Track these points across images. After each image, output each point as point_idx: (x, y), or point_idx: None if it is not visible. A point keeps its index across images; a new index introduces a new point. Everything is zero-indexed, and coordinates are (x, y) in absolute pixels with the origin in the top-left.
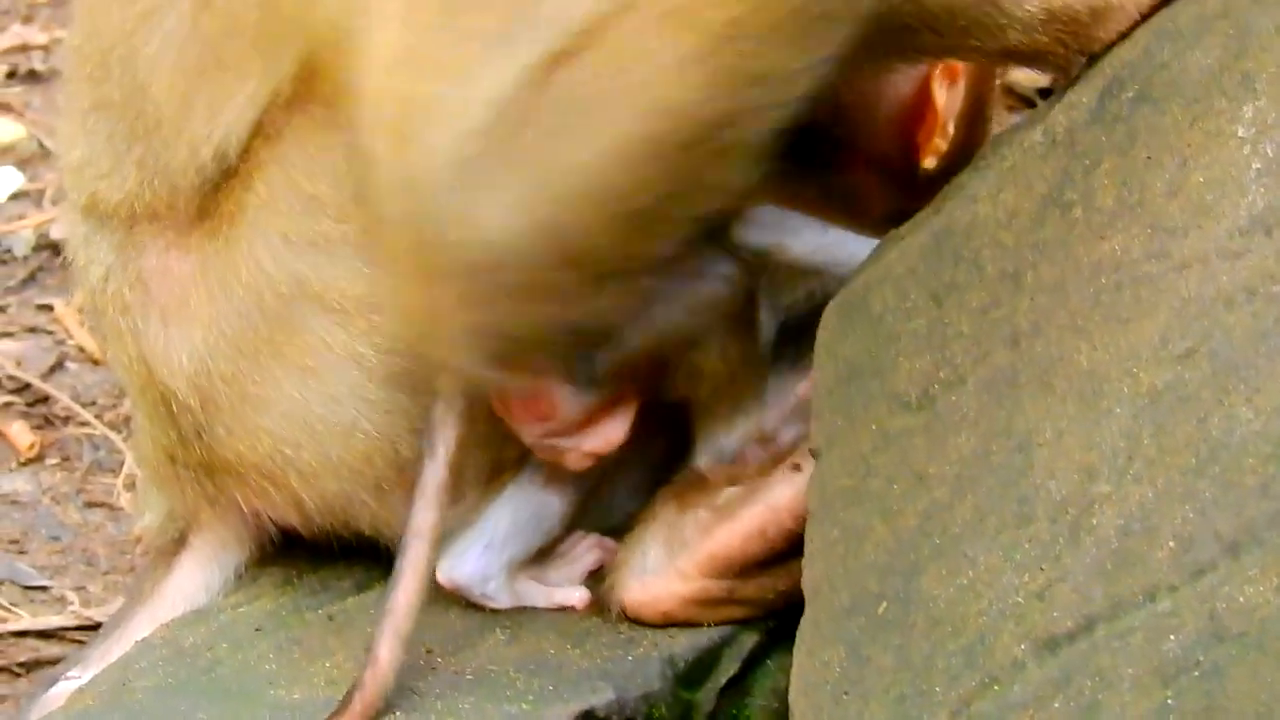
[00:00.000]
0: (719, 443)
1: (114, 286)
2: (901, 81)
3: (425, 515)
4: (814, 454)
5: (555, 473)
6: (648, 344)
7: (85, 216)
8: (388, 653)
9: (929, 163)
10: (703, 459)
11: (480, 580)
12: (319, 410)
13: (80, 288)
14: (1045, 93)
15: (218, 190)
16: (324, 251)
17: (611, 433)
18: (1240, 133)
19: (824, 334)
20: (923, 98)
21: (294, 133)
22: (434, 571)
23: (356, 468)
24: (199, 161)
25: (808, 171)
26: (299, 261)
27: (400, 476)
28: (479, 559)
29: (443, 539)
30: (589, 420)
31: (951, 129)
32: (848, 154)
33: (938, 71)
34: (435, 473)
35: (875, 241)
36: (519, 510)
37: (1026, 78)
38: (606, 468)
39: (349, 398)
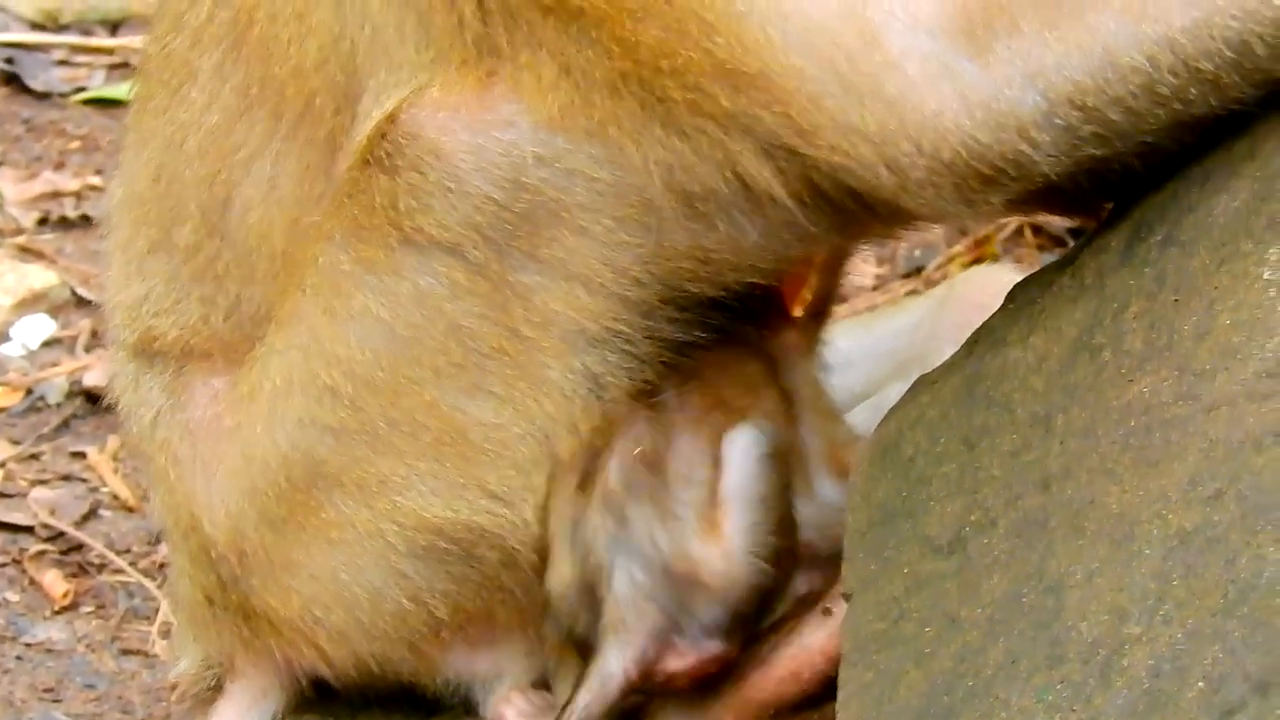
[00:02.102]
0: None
1: (162, 434)
2: None
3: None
4: (846, 597)
5: None
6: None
7: (134, 355)
8: None
9: (798, 310)
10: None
11: None
12: (345, 578)
13: (124, 430)
14: (1075, 232)
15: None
16: (340, 437)
17: None
18: (1267, 275)
19: (856, 477)
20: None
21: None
22: None
23: (388, 630)
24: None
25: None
26: (318, 445)
27: (437, 634)
28: None
29: None
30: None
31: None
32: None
33: None
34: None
35: None
36: None
37: (1058, 218)
38: None
39: (376, 568)
